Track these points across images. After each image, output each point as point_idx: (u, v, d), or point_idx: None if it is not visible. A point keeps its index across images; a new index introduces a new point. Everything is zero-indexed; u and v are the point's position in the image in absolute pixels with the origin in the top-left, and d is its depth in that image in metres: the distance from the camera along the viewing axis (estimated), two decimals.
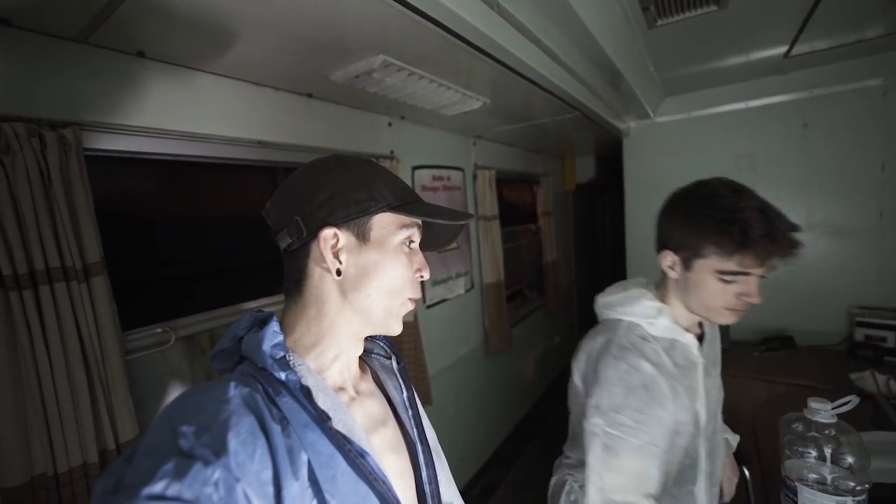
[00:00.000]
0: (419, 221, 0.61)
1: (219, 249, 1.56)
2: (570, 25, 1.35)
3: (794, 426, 1.02)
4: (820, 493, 0.91)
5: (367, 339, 0.69)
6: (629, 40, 1.71)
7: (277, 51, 1.19)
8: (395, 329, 0.60)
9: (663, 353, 0.87)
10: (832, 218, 2.28)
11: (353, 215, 0.55)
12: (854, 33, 1.84)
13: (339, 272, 0.55)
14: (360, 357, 0.67)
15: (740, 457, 1.60)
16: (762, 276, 0.81)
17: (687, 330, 0.90)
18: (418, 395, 0.71)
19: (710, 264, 0.81)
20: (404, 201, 0.59)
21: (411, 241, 0.60)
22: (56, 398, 0.91)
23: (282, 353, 0.52)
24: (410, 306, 0.60)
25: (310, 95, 1.59)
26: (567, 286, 4.27)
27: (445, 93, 1.62)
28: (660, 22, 1.60)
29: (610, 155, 3.98)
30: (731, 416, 2.11)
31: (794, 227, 0.80)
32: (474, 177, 2.70)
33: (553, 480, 1.10)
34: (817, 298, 2.33)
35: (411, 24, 1.07)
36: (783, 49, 1.96)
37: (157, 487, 0.35)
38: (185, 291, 1.41)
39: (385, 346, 0.71)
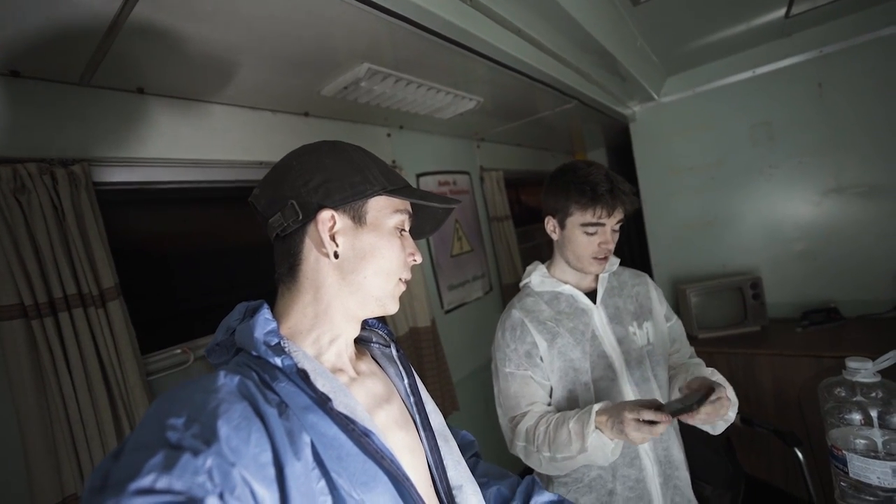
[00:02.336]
0: (409, 209, 0.62)
1: (236, 277, 1.60)
2: (550, 11, 1.35)
3: (835, 392, 0.94)
4: (872, 460, 0.83)
5: (365, 327, 0.69)
6: (616, 21, 1.69)
7: (266, 73, 1.24)
8: (392, 308, 0.62)
9: (543, 303, 1.09)
10: (863, 178, 2.14)
11: (349, 198, 0.56)
12: None
13: (336, 255, 0.56)
14: (358, 344, 0.67)
15: (788, 438, 1.49)
16: (614, 230, 1.03)
17: (576, 286, 1.10)
18: (444, 400, 0.71)
19: (575, 220, 1.02)
20: (396, 185, 0.60)
21: (403, 226, 0.62)
22: (81, 419, 0.94)
23: (275, 340, 0.52)
24: (403, 287, 0.63)
25: (306, 114, 1.64)
26: None
27: (436, 95, 1.64)
28: None
29: (620, 145, 3.90)
30: (778, 396, 1.99)
31: (632, 188, 1.02)
32: (481, 179, 2.70)
33: None
34: (860, 264, 2.18)
35: (389, 28, 1.10)
36: (782, 10, 1.89)
37: (146, 481, 0.34)
38: (203, 318, 1.45)
39: (383, 335, 0.71)
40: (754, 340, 2.13)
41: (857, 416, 0.87)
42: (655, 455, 1.04)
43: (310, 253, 0.57)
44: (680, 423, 1.03)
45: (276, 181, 0.58)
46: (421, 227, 0.70)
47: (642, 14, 1.71)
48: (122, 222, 1.27)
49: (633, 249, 5.29)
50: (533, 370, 1.03)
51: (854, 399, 0.91)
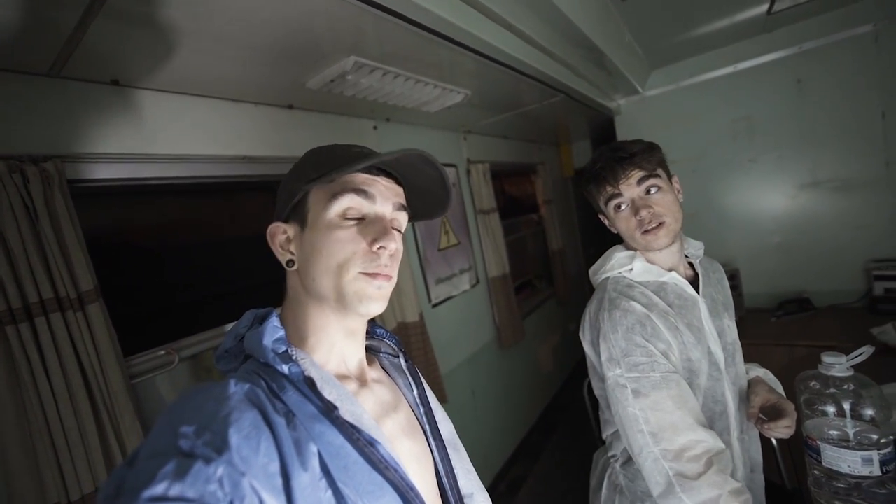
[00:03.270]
0: (359, 186, 0.55)
1: (220, 272, 1.57)
2: (540, 6, 1.34)
3: (810, 384, 0.98)
4: (843, 450, 0.87)
5: (373, 337, 0.69)
6: (603, 15, 1.69)
7: (249, 65, 1.19)
8: (368, 309, 0.54)
9: (653, 295, 0.92)
10: (838, 172, 2.22)
11: (286, 206, 0.58)
12: None
13: (289, 263, 0.57)
14: (368, 353, 0.66)
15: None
16: (646, 193, 0.92)
17: (671, 269, 0.96)
18: (432, 394, 0.71)
19: (605, 205, 0.96)
20: (328, 169, 0.53)
21: (354, 215, 0.55)
22: (62, 427, 0.92)
23: (283, 347, 0.52)
24: (372, 282, 0.54)
25: (291, 107, 1.59)
26: (576, 273, 4.22)
27: (424, 89, 1.61)
28: None
29: (604, 137, 3.94)
30: None
31: (643, 144, 0.93)
32: (468, 171, 2.69)
33: (595, 474, 1.10)
34: (831, 256, 2.27)
35: (378, 22, 1.07)
36: (765, 6, 1.92)
37: (159, 489, 0.34)
38: (186, 315, 1.42)
39: (392, 345, 0.71)
40: None
41: (831, 409, 0.91)
42: (745, 457, 0.96)
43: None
44: None
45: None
46: (423, 205, 0.66)
47: (629, 8, 1.71)
48: (98, 218, 1.22)
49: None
50: (674, 373, 0.84)
51: (828, 391, 0.95)
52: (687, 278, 0.97)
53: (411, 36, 1.18)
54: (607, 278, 0.99)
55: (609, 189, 0.92)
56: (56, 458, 0.91)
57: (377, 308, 0.55)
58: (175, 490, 0.35)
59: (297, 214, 0.57)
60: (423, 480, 0.58)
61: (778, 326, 2.14)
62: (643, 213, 0.89)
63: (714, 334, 0.93)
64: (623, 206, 0.93)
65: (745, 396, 0.98)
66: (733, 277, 2.28)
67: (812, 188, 2.30)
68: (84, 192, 1.10)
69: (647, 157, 0.91)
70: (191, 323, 1.37)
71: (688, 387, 0.85)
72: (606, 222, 1.02)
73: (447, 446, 0.65)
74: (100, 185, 1.14)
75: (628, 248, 1.01)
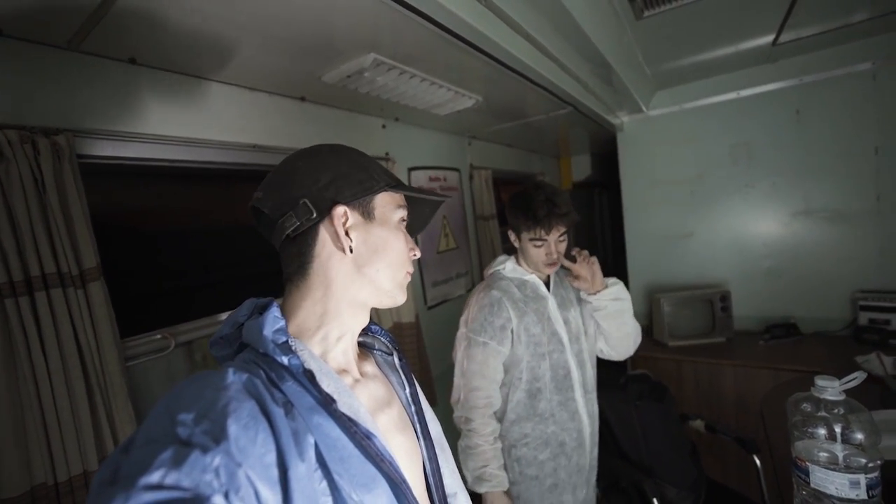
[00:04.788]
0: (406, 204, 0.65)
1: (219, 259, 1.55)
2: (559, 18, 1.36)
3: (802, 406, 1.01)
4: (832, 472, 0.89)
5: (368, 335, 0.70)
6: (618, 33, 1.73)
7: (268, 54, 1.19)
8: (401, 298, 0.64)
9: (514, 287, 1.29)
10: (830, 203, 2.28)
11: (359, 194, 0.58)
12: (840, 18, 1.85)
13: (350, 249, 0.57)
14: (362, 349, 0.68)
15: (749, 446, 1.59)
16: (559, 241, 1.25)
17: (533, 273, 1.32)
18: (422, 394, 0.72)
19: (525, 237, 1.27)
20: (395, 182, 0.63)
21: (404, 221, 0.65)
22: (55, 406, 0.90)
23: (284, 338, 0.52)
24: (409, 279, 0.65)
25: (303, 99, 1.59)
26: None
27: (437, 91, 1.62)
28: (647, 13, 1.61)
29: (605, 152, 3.99)
30: (739, 405, 2.11)
31: (569, 207, 1.24)
32: (470, 177, 2.70)
33: None
34: (820, 284, 2.33)
35: (401, 21, 1.08)
36: (770, 37, 1.98)
37: (155, 477, 0.34)
38: (184, 299, 1.41)
39: (387, 343, 0.72)
40: (720, 351, 2.25)
41: (821, 431, 0.93)
42: (588, 411, 1.31)
43: (322, 249, 0.58)
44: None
45: (282, 182, 0.59)
46: (411, 225, 0.72)
47: (643, 28, 1.75)
48: (102, 195, 1.21)
49: (607, 254, 5.44)
50: (503, 344, 1.23)
51: (819, 414, 0.98)
52: (544, 281, 1.33)
53: (431, 36, 1.19)
54: (492, 273, 1.36)
55: (539, 232, 1.23)
56: (46, 437, 0.89)
57: (405, 298, 0.66)
58: (171, 478, 0.35)
59: (360, 205, 0.59)
60: (412, 475, 0.59)
61: (765, 350, 2.19)
62: (550, 255, 1.24)
63: (560, 321, 1.28)
64: (541, 246, 1.25)
65: (586, 365, 1.33)
66: (724, 299, 2.33)
67: (804, 216, 2.36)
68: (91, 168, 1.09)
69: (571, 218, 1.25)
70: (187, 309, 1.35)
71: (498, 356, 1.23)
72: (512, 237, 1.34)
73: (435, 445, 0.66)
74: (107, 162, 1.12)
75: (510, 255, 1.38)
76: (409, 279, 0.65)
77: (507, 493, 1.22)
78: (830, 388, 0.93)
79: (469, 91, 1.73)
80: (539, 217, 1.21)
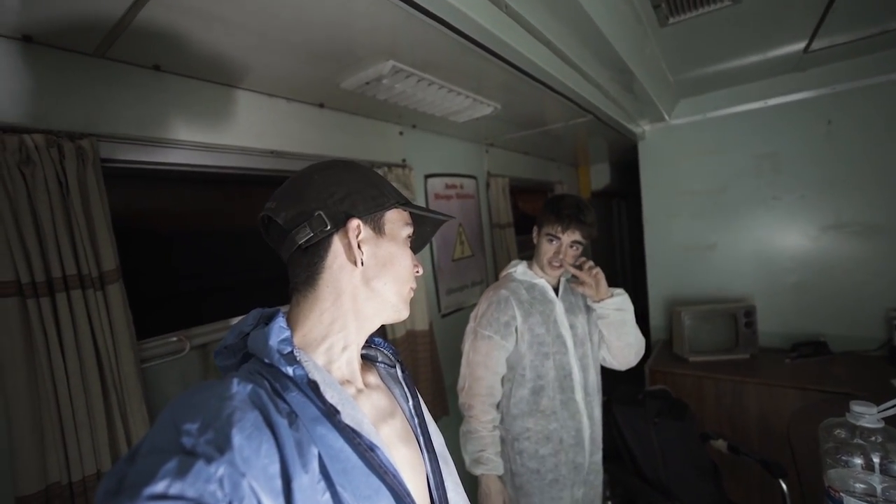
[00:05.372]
0: (412, 222, 0.68)
1: (235, 262, 1.57)
2: (581, 25, 1.34)
3: (835, 433, 0.95)
4: None
5: (371, 347, 0.71)
6: (641, 40, 1.69)
7: (288, 61, 1.20)
8: (405, 313, 0.66)
9: (522, 289, 1.37)
10: (863, 217, 2.19)
11: (371, 209, 0.60)
12: (876, 25, 1.78)
13: (361, 262, 0.59)
14: (365, 361, 0.68)
15: (775, 470, 1.51)
16: (570, 246, 1.32)
17: (542, 278, 1.39)
18: (434, 404, 0.72)
19: (544, 230, 1.36)
20: (404, 200, 0.66)
21: (410, 238, 0.67)
22: (71, 405, 0.91)
23: (289, 349, 0.52)
24: (412, 294, 0.67)
25: (321, 105, 1.60)
26: None
27: (456, 98, 1.61)
28: (672, 20, 1.57)
29: (624, 161, 3.92)
30: (763, 425, 2.02)
31: (594, 220, 1.33)
32: (487, 185, 2.69)
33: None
34: (851, 301, 2.22)
35: (420, 28, 1.08)
36: (802, 44, 1.91)
37: (159, 487, 0.34)
38: (200, 302, 1.42)
39: (389, 355, 0.72)
40: (744, 368, 2.16)
41: (857, 460, 0.88)
42: (588, 412, 1.37)
43: (334, 261, 0.59)
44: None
45: (297, 194, 0.60)
46: (413, 242, 0.74)
47: (667, 35, 1.72)
48: (120, 196, 1.22)
49: (625, 264, 5.34)
50: (506, 339, 1.31)
51: (854, 441, 0.92)
52: (554, 287, 1.41)
53: (450, 44, 1.18)
54: (504, 275, 1.46)
55: (556, 228, 1.31)
56: (62, 437, 0.90)
57: (407, 313, 0.67)
58: (175, 488, 0.35)
59: (372, 220, 0.61)
60: (416, 487, 0.59)
61: (792, 369, 2.09)
62: (558, 255, 1.33)
63: (566, 325, 1.36)
64: (553, 242, 1.33)
65: (589, 369, 1.39)
66: (749, 314, 2.24)
67: (835, 230, 2.26)
68: (111, 172, 1.11)
69: (590, 231, 1.32)
70: (203, 311, 1.36)
71: (501, 349, 1.31)
72: (534, 233, 1.42)
73: (439, 458, 0.66)
74: (128, 166, 1.14)
75: (523, 259, 1.48)
76: (412, 294, 0.67)
77: (501, 478, 1.33)
78: (868, 415, 0.88)
79: (488, 99, 1.72)
80: (562, 215, 1.30)
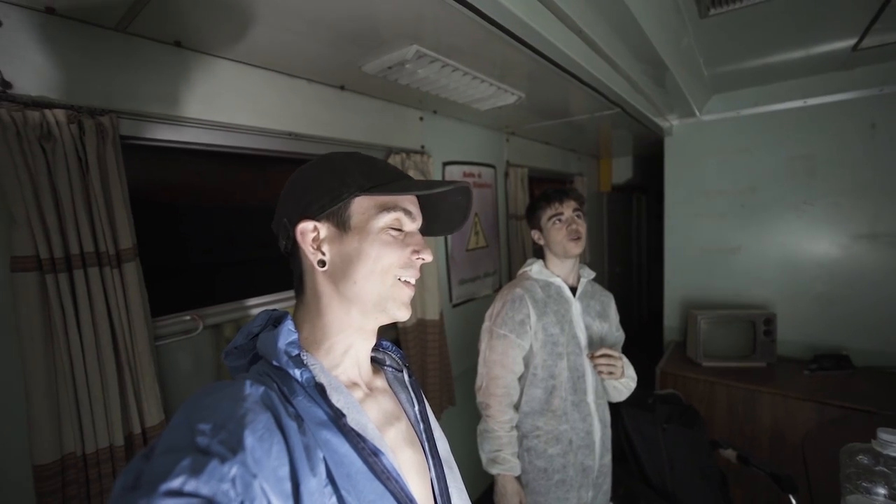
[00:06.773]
0: (406, 206, 0.59)
1: (247, 241, 1.57)
2: (615, 13, 1.27)
3: (858, 458, 0.91)
4: None
5: (379, 350, 0.70)
6: (678, 31, 1.61)
7: (311, 41, 1.17)
8: (399, 314, 0.58)
9: (538, 287, 1.37)
10: None
11: (326, 205, 0.56)
12: None
13: (322, 263, 0.56)
14: (373, 363, 0.67)
15: (786, 484, 1.48)
16: (575, 216, 1.34)
17: (564, 280, 1.38)
18: (442, 395, 0.70)
19: (544, 219, 1.37)
20: (380, 182, 0.57)
21: (396, 227, 0.58)
22: (86, 380, 0.92)
23: (296, 351, 0.52)
24: (407, 290, 0.59)
25: (342, 88, 1.57)
26: None
27: (479, 86, 1.57)
28: (713, 11, 1.49)
29: (648, 155, 3.81)
30: (776, 437, 1.97)
31: (573, 191, 1.38)
32: (506, 174, 2.63)
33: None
34: (880, 315, 2.13)
35: (446, 12, 1.03)
36: (852, 41, 1.79)
37: (175, 483, 0.35)
38: (213, 281, 1.43)
39: (397, 359, 0.71)
40: (760, 377, 2.11)
41: (881, 490, 0.84)
42: (599, 415, 1.36)
43: (307, 266, 0.58)
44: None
45: (279, 204, 0.60)
46: (448, 219, 0.67)
47: (706, 27, 1.62)
48: (136, 171, 1.22)
49: (642, 260, 5.24)
50: (522, 337, 1.31)
51: (877, 469, 0.88)
52: (571, 287, 1.40)
53: (476, 29, 1.14)
54: (520, 273, 1.46)
55: (556, 206, 1.34)
56: (77, 410, 0.92)
57: (405, 314, 0.59)
58: (190, 486, 0.35)
59: (335, 216, 0.56)
60: (420, 493, 0.58)
61: (811, 381, 2.03)
62: (572, 227, 1.32)
63: (581, 326, 1.36)
64: (560, 221, 1.33)
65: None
66: (769, 322, 2.17)
67: (868, 240, 2.16)
68: (130, 149, 1.10)
69: (580, 198, 1.37)
70: (216, 286, 1.37)
71: (517, 348, 1.31)
72: (537, 237, 1.41)
73: (443, 464, 0.65)
74: (147, 144, 1.14)
75: (539, 258, 1.45)
76: (406, 290, 0.59)
77: (518, 479, 1.31)
78: (895, 444, 0.84)
79: (512, 87, 1.66)
80: (550, 196, 1.36)
